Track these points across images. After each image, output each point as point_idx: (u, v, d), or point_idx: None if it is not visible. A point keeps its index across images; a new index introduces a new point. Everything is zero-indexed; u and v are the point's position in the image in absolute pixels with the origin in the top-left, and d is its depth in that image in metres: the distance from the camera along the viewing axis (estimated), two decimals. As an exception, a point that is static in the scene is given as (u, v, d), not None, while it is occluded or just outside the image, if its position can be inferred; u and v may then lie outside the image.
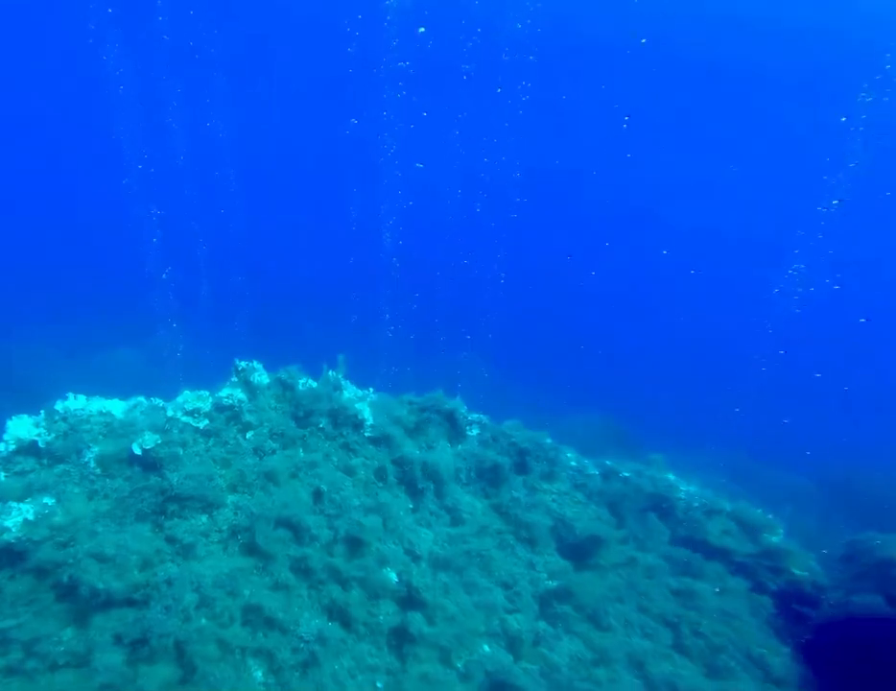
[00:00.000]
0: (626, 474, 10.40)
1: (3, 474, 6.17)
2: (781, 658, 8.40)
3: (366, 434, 8.55)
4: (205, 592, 6.13)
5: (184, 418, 7.13)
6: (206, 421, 7.31)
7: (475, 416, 10.27)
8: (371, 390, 9.71)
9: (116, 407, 6.99)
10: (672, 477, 10.56)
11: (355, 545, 7.34)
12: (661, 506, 10.04)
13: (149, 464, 6.69)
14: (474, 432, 10.03)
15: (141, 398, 7.29)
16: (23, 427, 6.40)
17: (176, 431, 6.98)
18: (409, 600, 7.17)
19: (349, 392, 9.05)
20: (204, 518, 6.79)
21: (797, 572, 9.77)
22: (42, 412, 6.69)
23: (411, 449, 8.79)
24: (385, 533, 7.71)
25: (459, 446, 9.70)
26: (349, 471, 8.12)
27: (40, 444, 6.36)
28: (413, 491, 8.62)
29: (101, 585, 5.69)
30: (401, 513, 8.07)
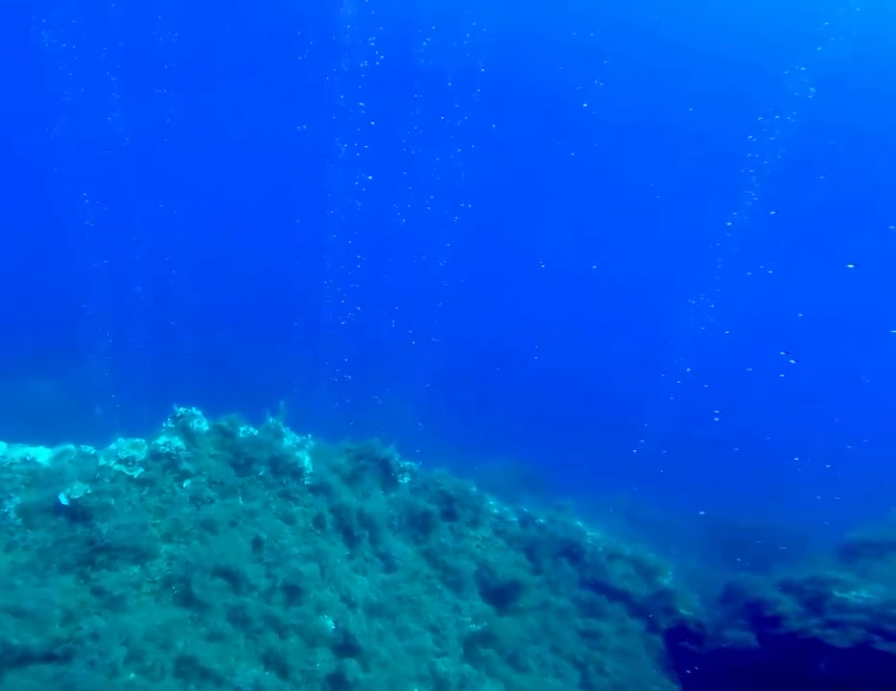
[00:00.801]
0: (542, 521, 11.01)
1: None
2: (672, 693, 9.17)
3: (306, 482, 8.53)
4: (135, 645, 5.80)
5: (117, 467, 6.80)
6: (141, 470, 7.02)
7: (407, 463, 10.50)
8: (310, 436, 9.70)
9: (42, 454, 6.54)
10: (580, 523, 11.31)
11: (293, 593, 7.26)
12: (571, 551, 10.70)
13: (76, 514, 6.30)
14: (405, 480, 10.24)
15: (70, 446, 6.86)
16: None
17: (107, 480, 6.64)
18: (345, 647, 7.16)
19: (289, 439, 9.00)
20: (136, 569, 6.46)
21: (684, 612, 10.71)
22: (-39, 458, 6.15)
23: (348, 497, 8.85)
24: (322, 580, 7.67)
25: (392, 494, 9.86)
26: (289, 519, 8.05)
27: (-42, 494, 5.83)
28: (350, 539, 8.66)
29: (16, 641, 5.25)
30: (338, 561, 8.08)
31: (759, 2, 28.13)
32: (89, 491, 6.25)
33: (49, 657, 5.52)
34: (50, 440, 7.36)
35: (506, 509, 11.05)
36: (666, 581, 11.14)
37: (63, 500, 6.06)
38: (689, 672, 9.92)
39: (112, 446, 7.00)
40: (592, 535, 11.18)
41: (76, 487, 6.15)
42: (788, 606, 10.21)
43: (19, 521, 5.99)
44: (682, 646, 10.37)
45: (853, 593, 9.98)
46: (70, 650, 5.48)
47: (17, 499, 6.01)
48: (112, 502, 6.44)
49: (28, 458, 6.36)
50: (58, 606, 5.59)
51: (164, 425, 8.01)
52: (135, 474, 6.90)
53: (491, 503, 10.83)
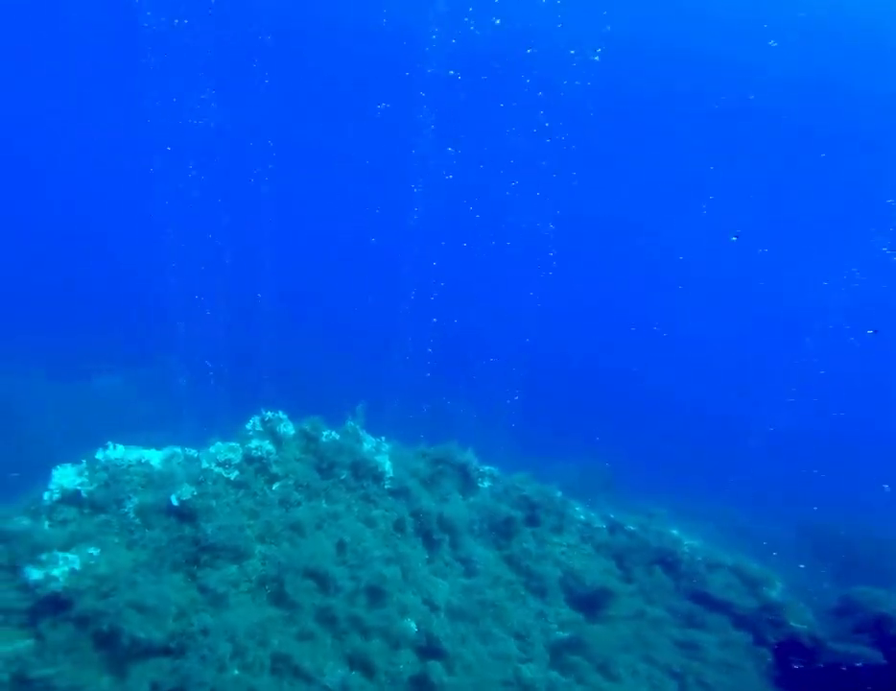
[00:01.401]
0: (632, 528, 10.46)
1: (47, 523, 6.26)
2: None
3: (386, 486, 8.67)
4: (238, 642, 6.13)
5: (217, 470, 7.27)
6: (237, 473, 7.45)
7: (486, 468, 10.40)
8: (384, 439, 9.85)
9: (154, 457, 7.13)
10: (675, 532, 10.62)
11: (376, 595, 7.35)
12: (666, 560, 10.06)
13: (184, 514, 6.79)
14: (485, 484, 10.14)
15: (177, 449, 7.43)
16: (67, 476, 6.53)
17: (209, 482, 7.10)
18: (428, 649, 7.14)
19: (368, 443, 9.20)
20: (234, 568, 6.84)
21: (795, 625, 9.71)
22: (84, 461, 6.83)
23: (428, 501, 8.88)
24: (404, 583, 7.72)
25: (472, 498, 9.78)
26: (370, 522, 8.20)
27: (83, 494, 6.47)
28: (430, 542, 8.67)
29: (142, 635, 5.71)
30: (419, 564, 8.11)
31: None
32: (195, 493, 6.71)
33: (166, 651, 5.93)
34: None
35: (593, 515, 10.62)
36: (774, 593, 10.19)
37: (174, 501, 6.56)
38: (802, 687, 8.96)
39: (212, 449, 7.49)
40: (689, 543, 10.45)
41: (184, 489, 6.64)
42: (922, 623, 9.03)
43: (138, 520, 6.54)
44: (793, 660, 9.41)
45: None
46: (184, 644, 5.87)
47: (136, 499, 6.58)
48: (214, 503, 6.89)
49: (143, 460, 6.95)
50: (172, 602, 6.03)
51: (251, 426, 8.46)
52: (232, 476, 7.34)
53: (577, 509, 10.45)
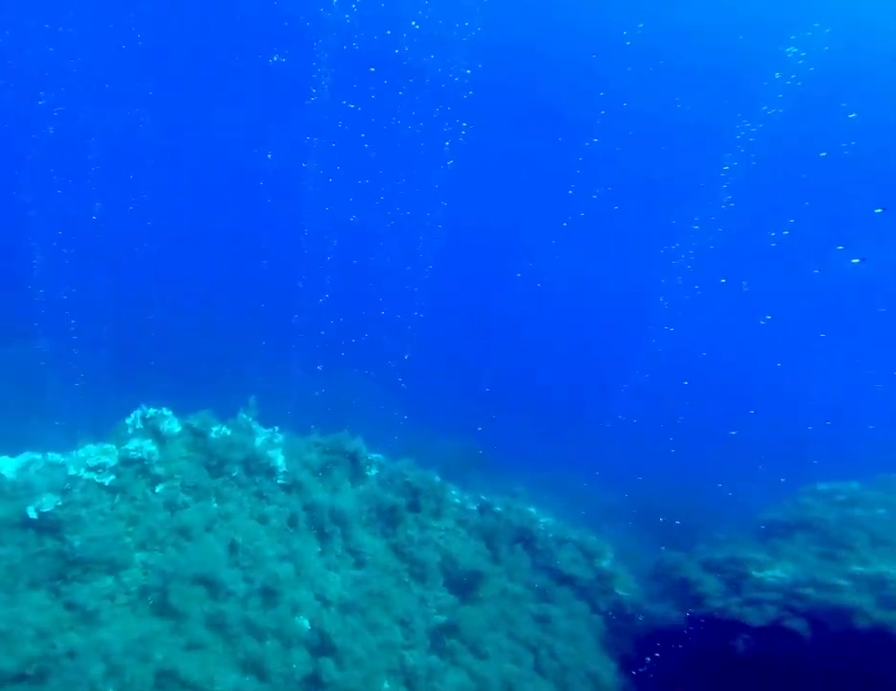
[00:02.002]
0: (498, 508, 11.29)
1: None
2: (609, 673, 9.77)
3: (279, 481, 8.30)
4: (114, 661, 5.55)
5: (87, 475, 6.33)
6: (112, 477, 6.58)
7: (374, 455, 10.42)
8: (276, 429, 9.39)
9: (6, 466, 5.98)
10: (533, 510, 11.68)
11: (270, 595, 7.12)
12: (525, 537, 11.07)
13: (45, 527, 5.85)
14: (373, 472, 10.18)
15: (36, 455, 6.30)
16: None
17: (77, 490, 6.18)
18: (321, 647, 7.15)
19: (261, 435, 8.68)
20: (110, 580, 6.12)
21: (621, 593, 11.37)
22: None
23: (319, 494, 8.70)
24: (297, 580, 7.57)
25: (361, 486, 9.79)
26: (263, 520, 7.84)
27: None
28: (322, 535, 8.55)
29: (-4, 668, 4.91)
30: (312, 559, 7.97)
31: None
32: (59, 503, 5.79)
33: (21, 678, 5.17)
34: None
35: (467, 497, 11.25)
36: (605, 563, 11.75)
37: (32, 514, 5.59)
38: (624, 649, 10.61)
39: (81, 453, 6.49)
40: (544, 521, 11.59)
41: (45, 499, 5.69)
42: (710, 585, 10.94)
43: (-16, 538, 5.49)
44: (619, 625, 11.06)
45: (768, 572, 10.86)
46: (44, 669, 5.15)
47: (-19, 514, 5.49)
48: (83, 513, 6.02)
49: (-10, 469, 5.78)
50: (29, 624, 5.22)
51: (130, 424, 7.50)
52: (106, 481, 6.46)
53: (453, 492, 10.99)
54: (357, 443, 9.96)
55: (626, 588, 11.42)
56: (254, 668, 6.51)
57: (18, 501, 5.70)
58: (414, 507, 10.19)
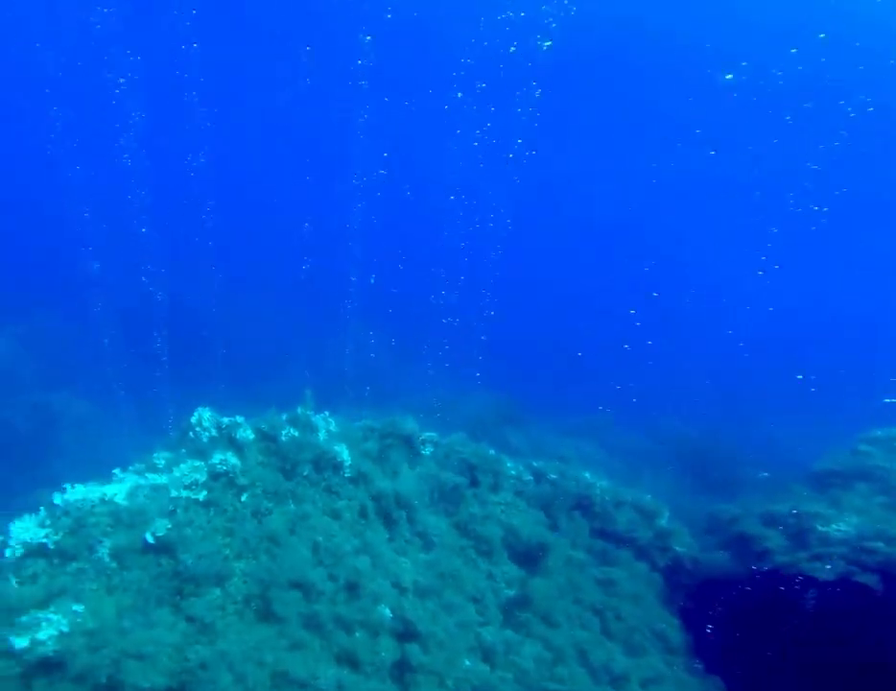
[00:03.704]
0: (553, 476, 12.23)
1: (14, 580, 5.97)
2: (675, 630, 10.97)
3: (346, 474, 9.17)
4: (237, 668, 6.64)
5: (185, 494, 7.21)
6: (205, 492, 7.45)
7: (427, 434, 11.25)
8: (328, 414, 10.18)
9: (118, 493, 6.85)
10: (588, 475, 12.61)
11: (353, 589, 8.17)
12: (583, 504, 12.06)
13: (160, 548, 6.80)
14: (428, 451, 11.05)
15: (140, 480, 7.15)
16: (28, 529, 6.14)
17: (180, 510, 7.08)
18: (404, 632, 8.27)
19: (321, 429, 9.48)
20: (218, 592, 7.14)
21: (678, 549, 12.43)
22: (42, 509, 6.41)
23: (383, 482, 9.61)
24: (374, 570, 8.60)
25: (418, 468, 10.69)
26: (335, 515, 8.78)
27: (49, 545, 6.18)
28: (388, 521, 9.54)
29: (146, 684, 5.98)
30: (383, 548, 8.99)
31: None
32: (169, 526, 6.72)
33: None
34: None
35: (521, 467, 12.16)
36: (662, 521, 12.78)
37: (150, 539, 6.53)
38: (685, 605, 11.80)
39: (176, 473, 7.35)
40: (600, 485, 12.53)
41: (158, 524, 6.61)
42: (774, 540, 11.90)
43: (114, 564, 6.45)
44: (678, 581, 12.20)
45: (833, 526, 11.72)
46: (184, 682, 6.24)
47: (108, 542, 6.42)
48: (189, 532, 6.95)
49: (106, 498, 6.67)
50: (166, 642, 6.27)
51: (199, 428, 8.31)
52: (200, 497, 7.35)
53: (508, 464, 11.88)
54: (411, 424, 10.77)
55: (684, 544, 12.43)
56: (347, 660, 7.64)
57: (136, 528, 6.60)
58: (473, 483, 11.14)
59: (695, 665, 10.59)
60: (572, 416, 20.48)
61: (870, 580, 10.30)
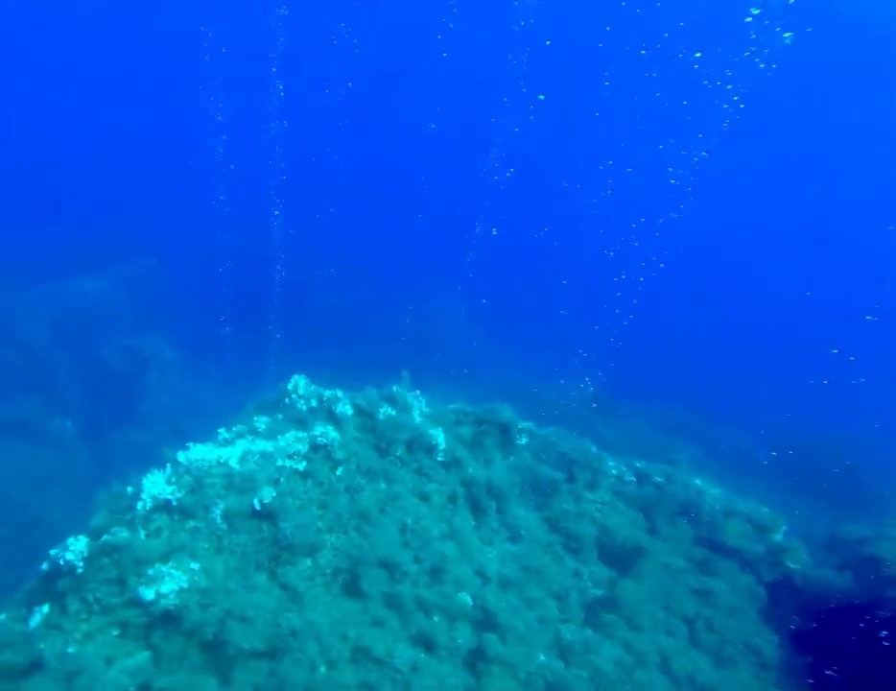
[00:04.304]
0: (659, 479, 11.69)
1: (143, 533, 6.85)
2: (771, 647, 10.28)
3: (439, 458, 9.39)
4: (323, 640, 7.19)
5: (288, 463, 7.79)
6: (304, 463, 7.99)
7: (523, 424, 11.17)
8: (419, 393, 10.36)
9: (232, 456, 7.54)
10: (699, 482, 11.92)
11: (436, 573, 8.47)
12: (689, 511, 11.47)
13: (263, 515, 7.44)
14: (523, 441, 10.99)
15: (251, 446, 7.80)
16: (157, 485, 6.97)
17: (283, 479, 7.67)
18: (484, 622, 8.48)
19: (415, 409, 9.73)
20: (309, 562, 7.72)
21: (791, 565, 11.50)
22: (168, 465, 7.25)
23: (475, 469, 9.72)
24: (459, 557, 8.84)
25: (512, 457, 10.69)
26: (424, 498, 9.06)
27: (173, 502, 7.00)
28: (476, 509, 9.70)
29: (245, 645, 6.67)
30: (470, 536, 9.19)
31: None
32: (274, 495, 7.33)
33: (261, 654, 6.90)
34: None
35: (623, 467, 11.75)
36: (778, 536, 11.86)
37: (257, 505, 7.19)
38: (792, 626, 10.97)
39: (281, 442, 7.94)
40: (711, 493, 11.81)
41: (265, 491, 7.24)
42: (912, 567, 10.67)
43: (225, 526, 7.17)
44: (785, 598, 11.33)
45: None
46: (278, 647, 6.87)
47: (221, 504, 7.14)
48: (289, 501, 7.54)
49: (222, 460, 7.39)
50: (264, 607, 6.93)
51: (294, 395, 8.88)
52: (300, 467, 7.90)
53: (610, 464, 11.53)
54: (508, 413, 10.69)
55: (799, 561, 11.52)
56: (424, 642, 7.99)
57: (246, 493, 7.27)
58: (570, 478, 10.96)
59: (790, 683, 9.93)
60: (666, 408, 19.41)
61: None
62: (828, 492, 16.00)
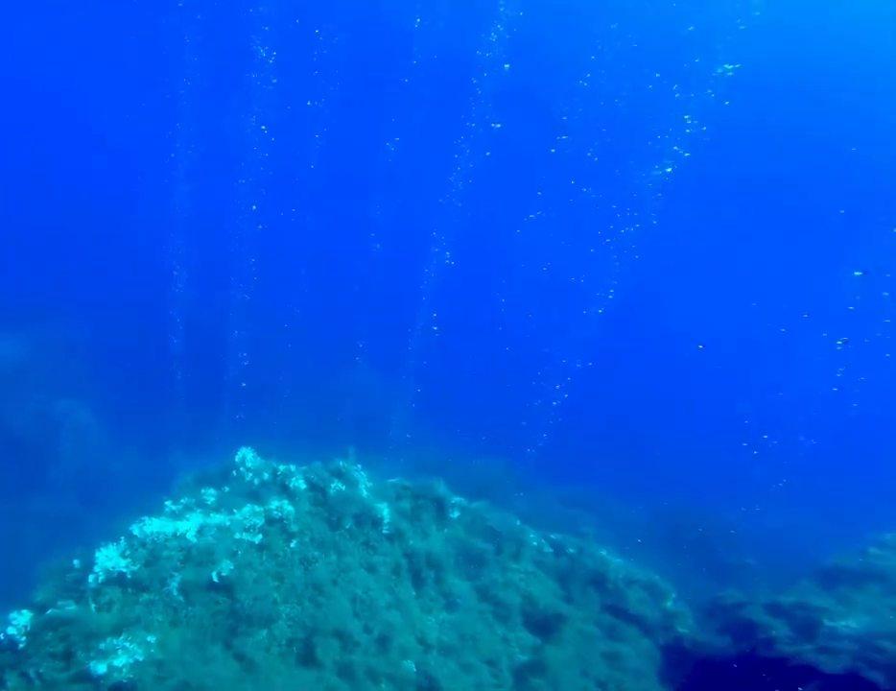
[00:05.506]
0: (572, 550, 12.88)
1: (94, 606, 6.75)
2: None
3: (384, 531, 9.94)
4: (280, 708, 7.33)
5: (245, 536, 8.03)
6: (260, 536, 8.27)
7: (456, 499, 12.02)
8: (360, 467, 10.98)
9: (189, 529, 7.68)
10: (604, 552, 13.24)
11: (384, 641, 8.85)
12: (597, 579, 12.66)
13: (220, 587, 7.58)
14: (455, 515, 11.80)
15: (207, 520, 7.98)
16: (111, 558, 6.95)
17: (241, 552, 7.89)
18: (428, 687, 8.89)
19: (362, 484, 10.30)
20: (265, 633, 7.88)
21: (681, 630, 12.92)
22: (122, 539, 7.24)
23: (416, 542, 10.35)
24: (404, 625, 9.28)
25: (446, 530, 11.43)
26: (371, 569, 9.52)
27: (127, 575, 6.99)
28: (416, 579, 10.25)
29: (204, 716, 6.69)
30: (412, 605, 9.68)
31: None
32: (232, 567, 7.51)
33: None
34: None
35: (541, 539, 12.84)
36: (669, 603, 13.32)
37: (215, 578, 7.32)
38: (683, 685, 12.21)
39: (237, 516, 8.17)
40: (614, 562, 13.14)
41: (223, 564, 7.40)
42: (781, 630, 12.32)
43: (181, 598, 7.22)
44: (678, 661, 12.63)
45: (841, 622, 12.11)
46: (233, 716, 6.93)
47: (178, 577, 7.21)
48: (247, 574, 7.74)
49: (178, 533, 7.49)
50: (221, 678, 6.99)
51: (241, 467, 9.19)
52: (256, 540, 8.15)
53: (531, 536, 12.57)
54: (442, 488, 11.55)
55: (686, 626, 12.95)
56: (374, 709, 8.27)
57: (204, 567, 7.40)
58: (497, 549, 11.83)
59: None
60: (570, 484, 21.03)
61: (878, 677, 10.59)
62: (712, 562, 17.80)
